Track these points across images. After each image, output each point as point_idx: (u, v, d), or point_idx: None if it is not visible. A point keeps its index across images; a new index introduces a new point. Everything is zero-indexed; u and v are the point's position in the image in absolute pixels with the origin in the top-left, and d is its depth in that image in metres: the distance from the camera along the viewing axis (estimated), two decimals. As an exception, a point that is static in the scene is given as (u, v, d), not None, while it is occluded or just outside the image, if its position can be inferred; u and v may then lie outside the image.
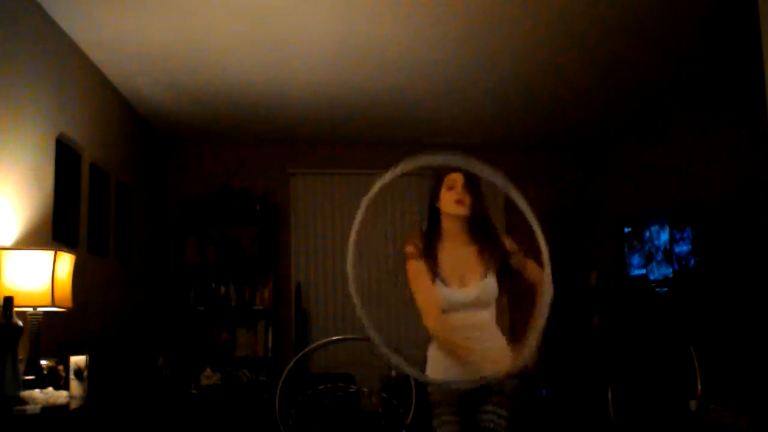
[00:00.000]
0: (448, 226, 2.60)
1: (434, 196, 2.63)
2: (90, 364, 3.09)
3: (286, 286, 6.39)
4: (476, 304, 2.53)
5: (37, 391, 2.70)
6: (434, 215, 2.63)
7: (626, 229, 5.41)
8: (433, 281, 2.51)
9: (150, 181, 5.91)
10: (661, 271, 4.86)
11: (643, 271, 5.10)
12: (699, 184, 4.80)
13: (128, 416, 3.60)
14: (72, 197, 4.03)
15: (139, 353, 4.63)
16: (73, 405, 2.77)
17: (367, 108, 5.61)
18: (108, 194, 4.70)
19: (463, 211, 2.56)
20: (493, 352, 2.50)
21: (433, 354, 2.58)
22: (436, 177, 2.65)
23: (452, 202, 2.56)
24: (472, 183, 2.59)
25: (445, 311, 2.49)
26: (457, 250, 2.58)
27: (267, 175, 6.52)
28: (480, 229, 2.60)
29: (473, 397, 2.52)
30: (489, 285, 2.55)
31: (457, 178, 2.59)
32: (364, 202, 2.31)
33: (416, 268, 2.54)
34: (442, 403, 2.55)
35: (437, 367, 2.55)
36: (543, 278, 2.50)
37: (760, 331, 3.98)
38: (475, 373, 2.41)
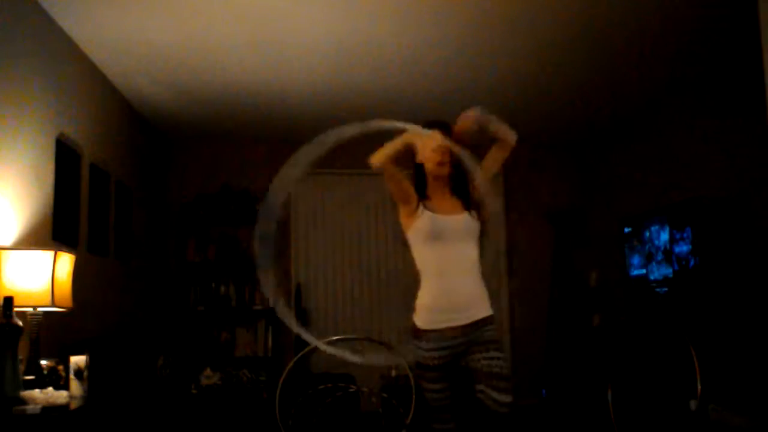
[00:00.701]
0: (432, 181, 2.73)
1: (415, 154, 2.75)
2: (90, 364, 3.09)
3: (286, 286, 6.39)
4: (465, 235, 2.64)
5: (37, 391, 2.70)
6: (419, 171, 2.76)
7: (626, 229, 5.40)
8: (422, 212, 2.65)
9: (150, 181, 5.91)
10: (661, 271, 4.86)
11: (643, 271, 5.10)
12: (698, 183, 4.80)
13: (128, 416, 3.60)
14: (72, 197, 4.03)
15: (139, 353, 4.63)
16: (73, 405, 2.77)
17: (367, 108, 5.61)
18: (108, 194, 4.70)
19: (445, 171, 2.70)
20: (476, 296, 2.63)
21: (422, 304, 2.66)
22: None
23: (435, 164, 2.70)
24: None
25: (437, 239, 2.61)
26: (442, 196, 2.73)
27: (267, 175, 6.49)
28: (460, 180, 2.74)
29: (461, 354, 2.59)
30: (472, 217, 2.67)
31: (436, 137, 2.67)
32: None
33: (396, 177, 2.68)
34: (431, 368, 2.59)
35: (426, 318, 2.63)
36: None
37: (760, 331, 3.98)
38: (462, 318, 2.56)
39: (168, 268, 6.21)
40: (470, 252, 2.65)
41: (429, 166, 2.71)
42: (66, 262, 3.17)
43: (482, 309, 2.64)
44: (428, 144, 2.69)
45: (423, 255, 2.68)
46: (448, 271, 2.62)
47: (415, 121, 2.71)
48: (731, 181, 4.49)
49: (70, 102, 4.08)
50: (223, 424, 4.56)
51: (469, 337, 2.59)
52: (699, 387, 3.92)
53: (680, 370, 4.16)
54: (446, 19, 3.95)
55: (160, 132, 6.16)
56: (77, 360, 3.05)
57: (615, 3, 3.77)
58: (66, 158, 3.92)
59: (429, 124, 2.70)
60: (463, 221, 2.64)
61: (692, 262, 4.47)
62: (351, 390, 4.72)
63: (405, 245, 2.78)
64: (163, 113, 5.66)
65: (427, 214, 2.65)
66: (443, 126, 2.71)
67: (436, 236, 2.62)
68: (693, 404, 4.03)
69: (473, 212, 2.69)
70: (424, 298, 2.66)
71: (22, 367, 2.80)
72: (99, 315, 4.40)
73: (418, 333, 2.63)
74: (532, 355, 6.46)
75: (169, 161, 6.43)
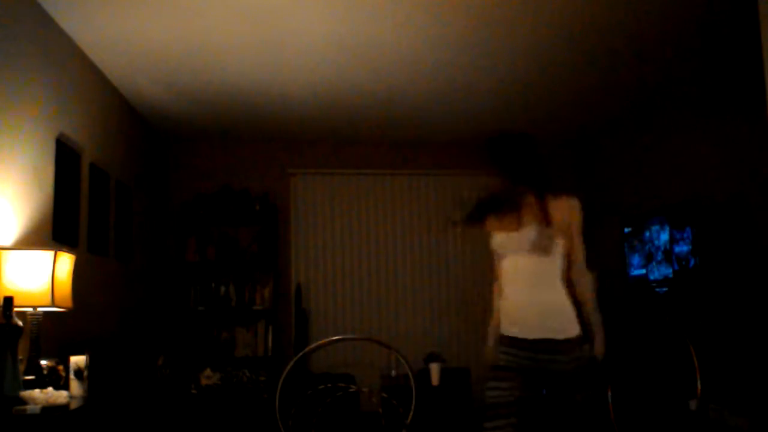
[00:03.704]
0: None
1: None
2: (90, 364, 3.09)
3: (286, 286, 6.39)
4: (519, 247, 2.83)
5: (37, 391, 2.69)
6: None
7: (626, 229, 5.40)
8: None
9: (150, 181, 5.91)
10: (661, 271, 4.86)
11: (643, 271, 5.10)
12: (698, 184, 4.79)
13: (128, 416, 3.60)
14: (72, 197, 4.03)
15: (139, 353, 4.63)
16: (73, 405, 2.77)
17: (367, 108, 5.61)
18: (108, 194, 4.70)
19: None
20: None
21: (502, 306, 2.83)
22: None
23: None
24: None
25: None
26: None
27: (267, 175, 6.52)
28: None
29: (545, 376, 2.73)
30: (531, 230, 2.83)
31: None
32: None
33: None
34: (495, 368, 2.74)
35: (505, 320, 2.79)
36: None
37: (760, 331, 3.98)
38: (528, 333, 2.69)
39: (168, 268, 6.21)
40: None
41: None
42: (66, 262, 3.17)
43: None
44: None
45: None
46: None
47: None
48: (731, 181, 4.49)
49: (70, 102, 4.08)
50: (223, 424, 4.55)
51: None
52: (699, 387, 3.92)
53: (680, 370, 4.16)
54: (446, 20, 3.95)
55: (160, 132, 6.16)
56: (77, 360, 3.06)
57: (614, 3, 3.77)
58: (66, 158, 3.92)
59: None
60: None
61: (692, 262, 4.47)
62: (351, 390, 4.72)
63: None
64: (163, 113, 5.65)
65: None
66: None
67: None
68: (693, 404, 4.03)
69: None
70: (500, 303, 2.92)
71: (22, 367, 2.80)
72: (99, 315, 4.40)
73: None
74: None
75: (169, 161, 6.43)
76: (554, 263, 2.75)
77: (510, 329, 2.76)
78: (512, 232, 2.75)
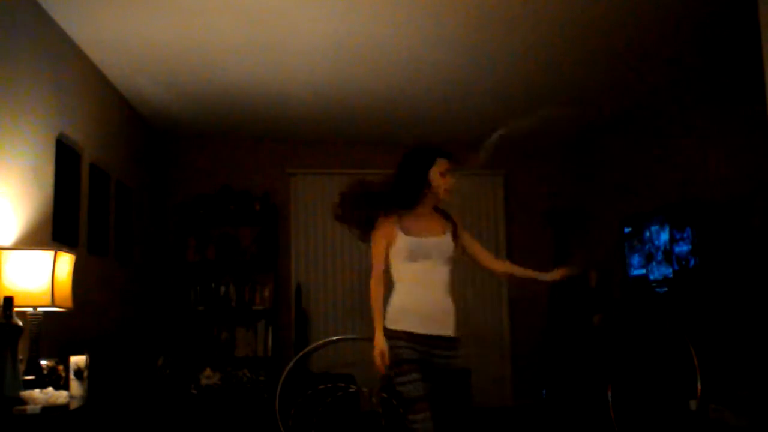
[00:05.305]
0: (427, 200, 2.97)
1: (424, 172, 2.93)
2: (90, 364, 3.09)
3: (286, 286, 6.39)
4: (438, 255, 2.90)
5: (37, 391, 2.70)
6: (418, 187, 2.93)
7: (626, 229, 5.40)
8: (400, 234, 2.92)
9: (150, 181, 5.91)
10: (661, 271, 4.86)
11: (643, 271, 5.10)
12: (699, 184, 4.79)
13: (128, 416, 3.60)
14: (72, 197, 4.03)
15: (139, 353, 4.63)
16: (73, 405, 2.77)
17: (367, 108, 5.61)
18: (108, 194, 4.70)
19: (449, 198, 2.97)
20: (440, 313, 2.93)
21: (396, 305, 3.05)
22: (428, 153, 2.96)
23: (443, 188, 2.95)
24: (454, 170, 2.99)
25: (412, 259, 2.91)
26: (425, 217, 2.99)
27: (267, 175, 6.52)
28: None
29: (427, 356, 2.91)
30: (447, 240, 2.94)
31: (449, 167, 2.95)
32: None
33: (377, 237, 3.02)
34: (408, 361, 2.90)
35: (399, 318, 2.98)
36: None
37: (760, 331, 3.98)
38: (431, 329, 2.90)
39: (168, 268, 6.21)
40: (443, 272, 2.95)
41: (437, 190, 2.95)
42: (66, 262, 3.17)
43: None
44: (440, 170, 2.94)
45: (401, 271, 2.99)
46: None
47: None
48: (731, 181, 4.49)
49: (70, 102, 4.08)
50: (223, 424, 4.55)
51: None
52: (699, 387, 3.92)
53: (680, 370, 4.15)
54: (446, 20, 3.95)
55: (160, 132, 6.16)
56: (77, 360, 3.06)
57: (614, 3, 3.77)
58: (66, 158, 3.92)
59: (443, 154, 2.96)
60: (437, 243, 2.93)
61: (692, 262, 4.47)
62: (351, 390, 4.72)
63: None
64: (163, 113, 5.66)
65: (407, 238, 2.92)
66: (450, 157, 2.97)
67: (412, 257, 2.92)
68: (693, 404, 4.03)
69: (449, 234, 2.97)
70: (394, 300, 3.10)
71: (22, 367, 2.80)
72: (99, 315, 4.40)
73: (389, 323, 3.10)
74: (532, 355, 6.46)
75: (169, 161, 6.43)
76: (452, 272, 2.97)
77: (410, 325, 2.93)
78: (432, 237, 2.92)
